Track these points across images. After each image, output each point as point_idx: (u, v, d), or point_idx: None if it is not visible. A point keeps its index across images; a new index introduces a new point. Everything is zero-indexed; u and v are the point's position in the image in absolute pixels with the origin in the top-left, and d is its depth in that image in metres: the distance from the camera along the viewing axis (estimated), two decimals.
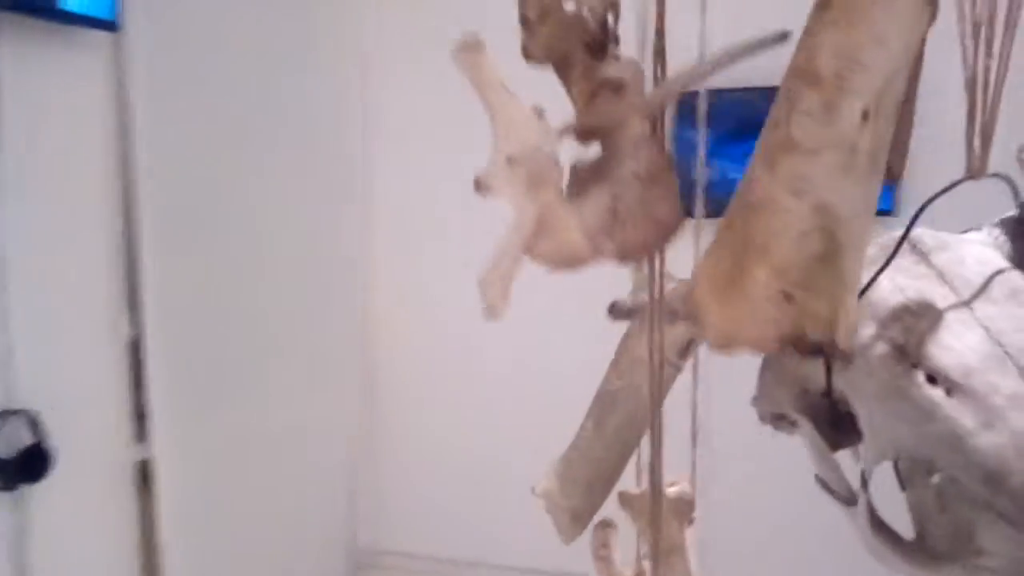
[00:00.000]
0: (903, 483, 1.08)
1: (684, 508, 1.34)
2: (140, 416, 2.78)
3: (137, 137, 2.66)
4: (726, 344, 0.71)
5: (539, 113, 0.64)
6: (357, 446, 3.55)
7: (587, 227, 0.62)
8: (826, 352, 0.67)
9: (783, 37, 0.67)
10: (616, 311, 1.13)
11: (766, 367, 1.13)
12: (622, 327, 3.48)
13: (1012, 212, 1.36)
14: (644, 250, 0.63)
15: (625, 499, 1.37)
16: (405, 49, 3.48)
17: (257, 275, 3.12)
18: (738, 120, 3.19)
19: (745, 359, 1.20)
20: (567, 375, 3.40)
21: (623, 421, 1.35)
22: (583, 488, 1.38)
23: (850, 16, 0.73)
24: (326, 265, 3.46)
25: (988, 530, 0.94)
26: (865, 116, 0.73)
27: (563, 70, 0.63)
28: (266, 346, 3.14)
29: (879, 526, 1.02)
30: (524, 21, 0.59)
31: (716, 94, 3.41)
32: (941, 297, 1.03)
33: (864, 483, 1.02)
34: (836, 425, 1.11)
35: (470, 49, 0.60)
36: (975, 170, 1.05)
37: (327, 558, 3.46)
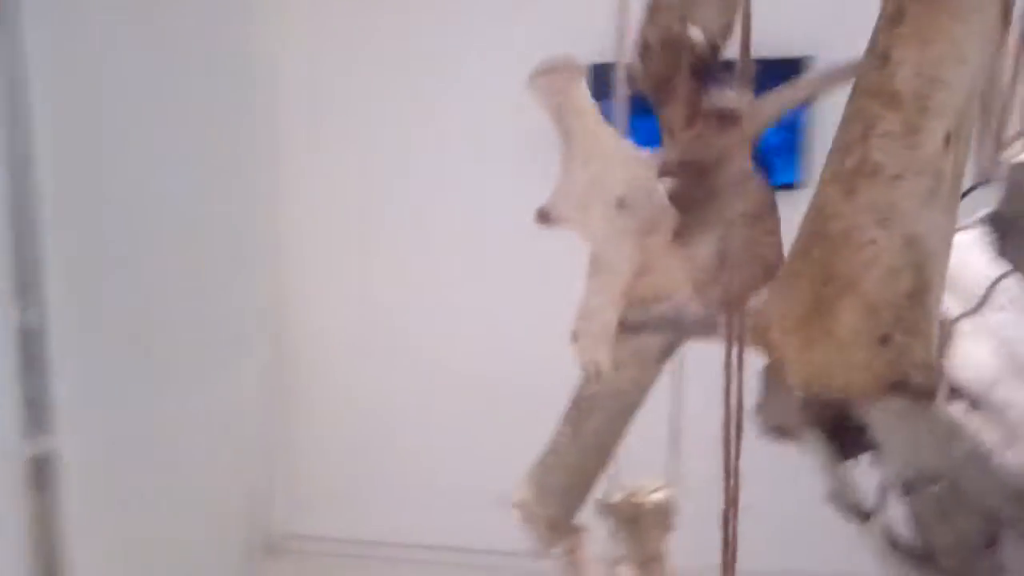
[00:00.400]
0: (904, 490, 1.07)
1: (664, 516, 1.31)
2: (36, 407, 2.59)
3: (33, 117, 2.44)
4: (814, 389, 0.66)
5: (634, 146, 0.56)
6: (271, 431, 3.43)
7: (695, 273, 0.56)
8: (923, 395, 0.63)
9: (884, 58, 0.62)
10: (629, 327, 1.07)
11: (767, 378, 1.09)
12: (548, 312, 3.44)
13: (992, 208, 1.36)
14: (750, 292, 0.57)
15: (603, 507, 1.33)
16: (318, 24, 3.33)
17: (165, 257, 2.94)
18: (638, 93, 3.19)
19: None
20: (487, 358, 3.37)
21: (602, 426, 1.30)
22: (560, 495, 1.33)
23: (927, 32, 0.68)
24: (237, 246, 3.29)
25: (1012, 547, 0.93)
26: (947, 139, 0.68)
27: (662, 95, 0.56)
28: (175, 330, 2.97)
29: (897, 545, 0.99)
30: (644, 48, 0.52)
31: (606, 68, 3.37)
32: (950, 306, 1.00)
33: (880, 502, 0.99)
34: (844, 436, 1.08)
35: (564, 73, 0.53)
36: (988, 172, 1.03)
37: (241, 545, 3.33)
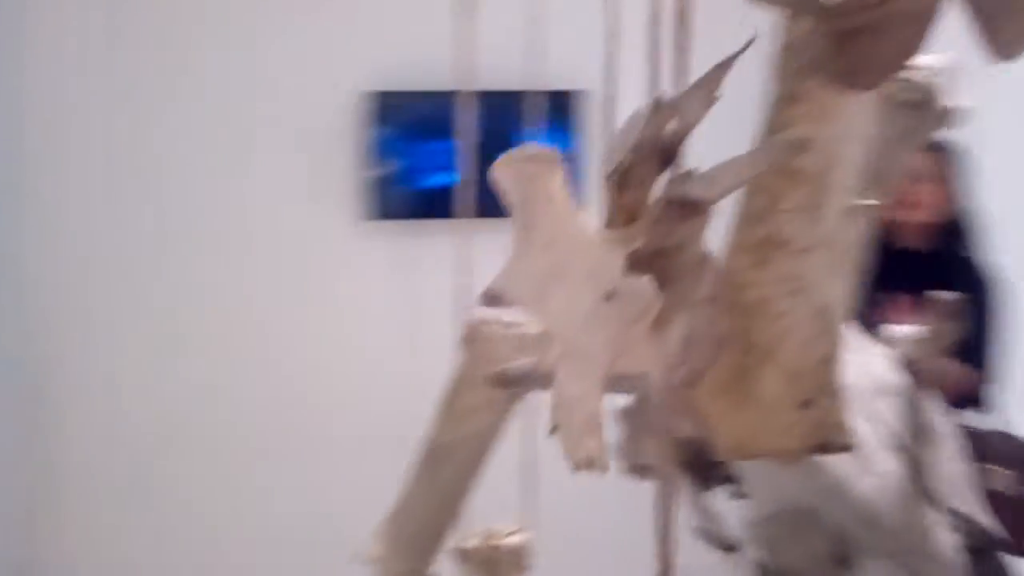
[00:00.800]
0: (764, 518, 1.14)
1: (520, 559, 1.32)
2: None
3: None
4: (743, 454, 0.69)
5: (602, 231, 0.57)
6: (24, 468, 3.14)
7: (666, 356, 0.57)
8: (843, 452, 0.67)
9: (803, 144, 0.66)
10: (505, 379, 1.07)
11: (627, 418, 1.13)
12: (298, 360, 3.34)
13: None
14: (707, 370, 0.60)
15: (460, 553, 1.32)
16: (69, 51, 3.09)
17: None
18: (420, 120, 3.25)
19: None
20: (246, 401, 3.27)
21: (456, 473, 1.28)
22: (416, 546, 1.30)
23: (822, 111, 0.72)
24: None
25: (867, 567, 1.01)
26: (846, 212, 0.74)
27: (626, 183, 0.57)
28: None
29: (764, 572, 1.06)
30: (638, 145, 0.53)
31: (397, 96, 3.36)
32: None
33: (745, 538, 1.05)
34: (705, 471, 1.14)
35: (541, 160, 0.52)
36: None
37: None
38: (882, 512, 1.00)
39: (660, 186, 0.57)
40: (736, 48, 0.55)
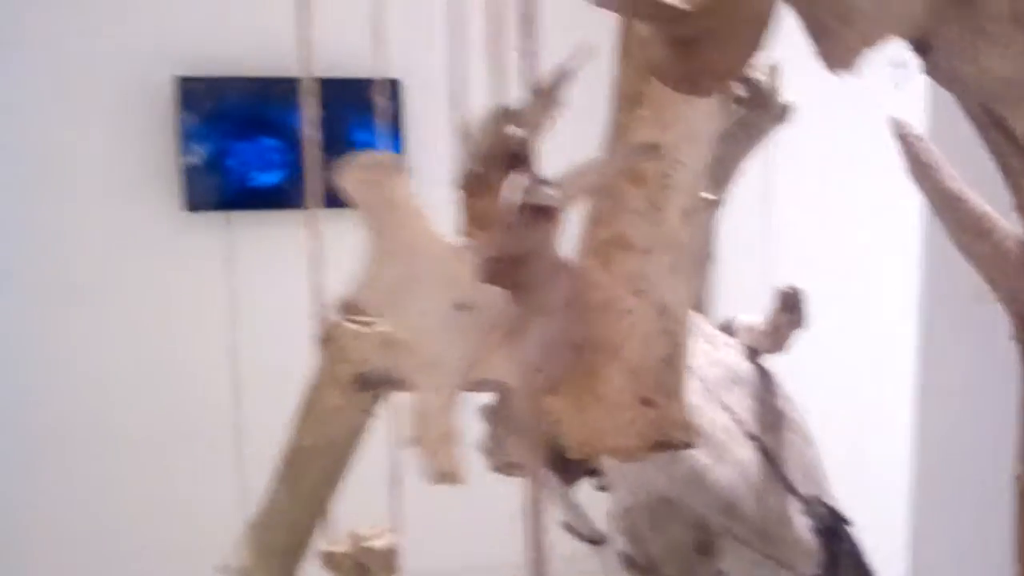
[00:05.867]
0: (626, 510, 1.16)
1: (390, 561, 1.30)
2: None
3: None
4: (588, 452, 0.70)
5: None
6: None
7: (522, 365, 0.57)
8: (683, 449, 0.69)
9: (653, 149, 0.67)
10: (366, 381, 1.06)
11: (494, 418, 1.13)
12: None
13: None
14: (566, 377, 0.60)
15: (328, 557, 1.30)
16: None
17: None
18: (235, 108, 3.16)
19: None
20: (53, 399, 3.16)
21: (319, 478, 1.26)
22: (282, 555, 1.28)
23: (664, 114, 0.74)
24: None
25: (729, 554, 1.04)
26: (686, 213, 0.75)
27: (476, 188, 0.57)
28: None
29: (629, 563, 1.08)
30: (476, 149, 0.53)
31: (213, 82, 3.20)
32: None
33: (610, 529, 1.07)
34: (567, 465, 1.15)
35: (385, 167, 0.52)
36: None
37: None
38: (739, 499, 1.03)
39: (512, 192, 0.56)
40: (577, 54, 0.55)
